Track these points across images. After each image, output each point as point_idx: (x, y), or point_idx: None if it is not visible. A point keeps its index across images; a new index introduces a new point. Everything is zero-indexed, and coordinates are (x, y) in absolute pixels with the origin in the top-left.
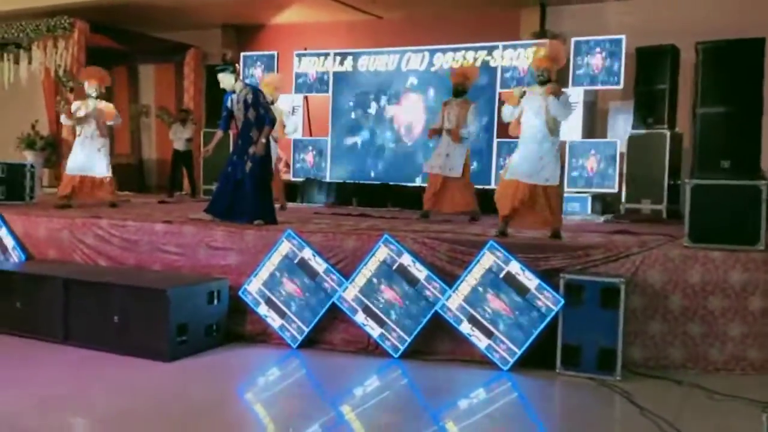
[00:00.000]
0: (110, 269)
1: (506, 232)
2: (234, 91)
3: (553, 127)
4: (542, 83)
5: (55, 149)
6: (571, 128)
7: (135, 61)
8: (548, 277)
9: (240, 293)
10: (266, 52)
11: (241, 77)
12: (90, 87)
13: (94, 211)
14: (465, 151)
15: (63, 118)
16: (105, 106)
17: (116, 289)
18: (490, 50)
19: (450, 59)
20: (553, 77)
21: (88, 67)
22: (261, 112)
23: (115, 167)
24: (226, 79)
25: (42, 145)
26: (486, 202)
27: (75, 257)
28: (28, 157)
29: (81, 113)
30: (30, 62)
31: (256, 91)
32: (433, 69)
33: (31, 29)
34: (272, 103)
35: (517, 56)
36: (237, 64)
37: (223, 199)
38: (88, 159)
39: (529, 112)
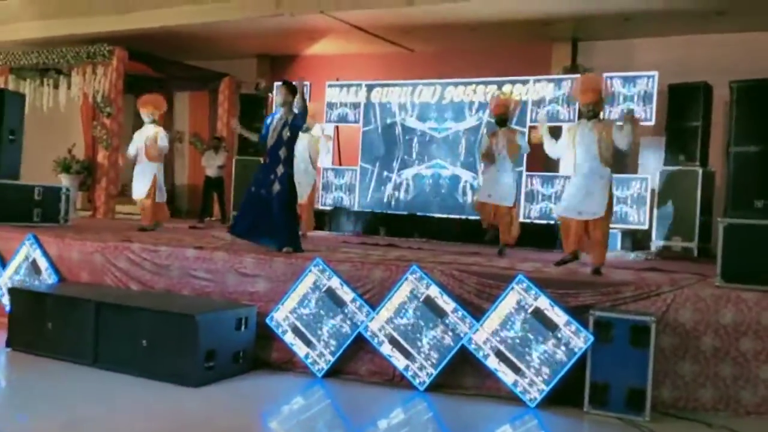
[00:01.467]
0: (141, 293)
1: (568, 261)
2: (278, 111)
3: (607, 158)
4: (590, 118)
5: (90, 173)
6: None
7: (171, 89)
8: (577, 313)
9: (267, 320)
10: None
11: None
12: (145, 113)
13: (126, 235)
14: (513, 178)
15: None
16: (153, 130)
17: (146, 313)
18: (522, 83)
19: (477, 91)
20: (601, 110)
21: (146, 95)
22: (294, 131)
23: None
24: (284, 95)
25: (77, 168)
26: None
27: (106, 280)
28: (64, 180)
29: (132, 150)
30: (69, 87)
31: (299, 114)
32: (462, 101)
33: (72, 56)
34: (308, 130)
35: (549, 89)
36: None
37: (247, 218)
38: (135, 181)
39: (578, 148)
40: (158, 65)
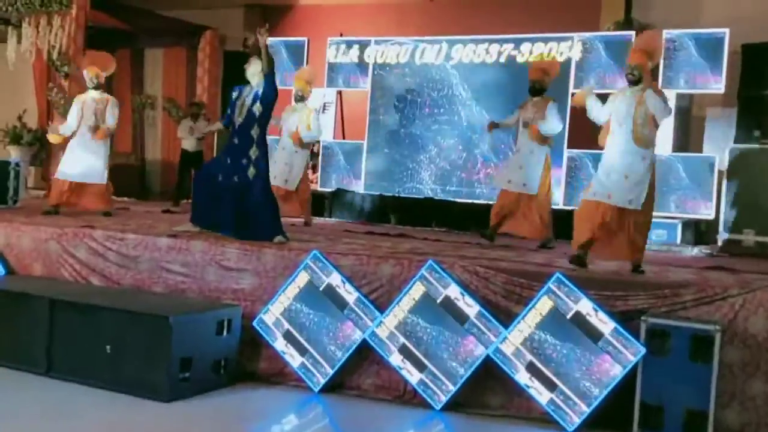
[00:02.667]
0: (104, 289)
1: (585, 261)
2: (247, 85)
3: (643, 136)
4: (633, 83)
5: (44, 145)
6: (660, 139)
7: (141, 44)
8: (627, 320)
9: (254, 324)
10: (295, 39)
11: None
12: (89, 76)
13: (87, 220)
14: (543, 160)
15: (52, 137)
16: (103, 98)
17: (110, 313)
18: (564, 42)
19: (513, 51)
20: (647, 75)
21: (90, 51)
22: (266, 105)
23: (112, 169)
24: (254, 70)
25: (29, 139)
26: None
27: (63, 273)
28: (13, 153)
29: (73, 123)
30: (19, 41)
31: (266, 82)
32: (494, 62)
33: (23, 3)
34: (302, 99)
35: (597, 50)
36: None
37: (215, 210)
38: (83, 163)
39: (613, 120)
40: (126, 15)
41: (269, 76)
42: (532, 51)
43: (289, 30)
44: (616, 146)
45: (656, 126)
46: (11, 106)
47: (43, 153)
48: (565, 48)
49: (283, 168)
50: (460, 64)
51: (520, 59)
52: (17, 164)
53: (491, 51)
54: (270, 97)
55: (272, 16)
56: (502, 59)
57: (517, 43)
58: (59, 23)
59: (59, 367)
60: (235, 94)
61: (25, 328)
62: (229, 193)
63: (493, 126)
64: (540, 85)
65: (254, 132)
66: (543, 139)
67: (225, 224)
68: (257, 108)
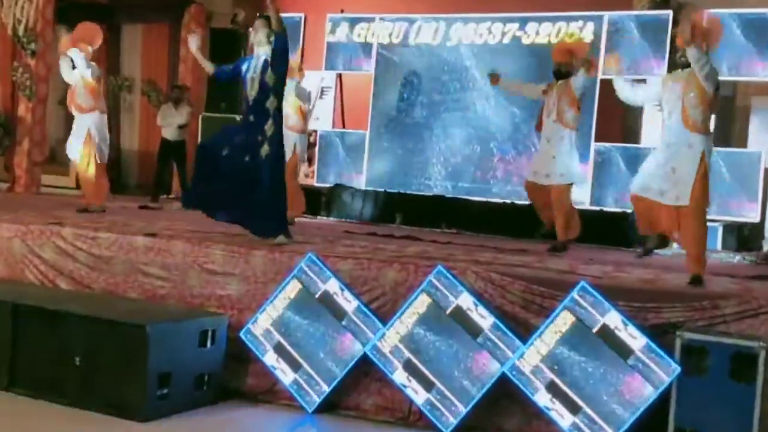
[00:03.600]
0: (73, 294)
1: (651, 250)
2: (254, 56)
3: (696, 121)
4: (683, 67)
5: (8, 131)
6: None
7: (117, 19)
8: (659, 334)
9: (241, 335)
10: (290, 15)
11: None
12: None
13: (56, 217)
14: (571, 149)
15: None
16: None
17: (79, 321)
18: (592, 21)
19: (538, 31)
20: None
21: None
22: (279, 73)
23: None
24: (262, 35)
25: None
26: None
27: (28, 276)
28: None
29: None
30: None
31: (278, 48)
32: (514, 43)
33: None
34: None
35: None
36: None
37: (214, 187)
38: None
39: (664, 107)
40: None
41: (281, 35)
42: (539, 31)
43: (282, 5)
44: (665, 137)
45: (709, 108)
46: None
47: (7, 140)
48: (576, 29)
49: None
50: (477, 45)
51: (541, 40)
52: None
53: (517, 32)
54: (283, 62)
55: None
56: (528, 41)
57: (541, 21)
58: None
59: (23, 381)
60: (244, 67)
61: None
62: (237, 173)
63: (497, 79)
64: (566, 68)
65: (270, 104)
66: (572, 123)
67: (225, 208)
68: (269, 77)
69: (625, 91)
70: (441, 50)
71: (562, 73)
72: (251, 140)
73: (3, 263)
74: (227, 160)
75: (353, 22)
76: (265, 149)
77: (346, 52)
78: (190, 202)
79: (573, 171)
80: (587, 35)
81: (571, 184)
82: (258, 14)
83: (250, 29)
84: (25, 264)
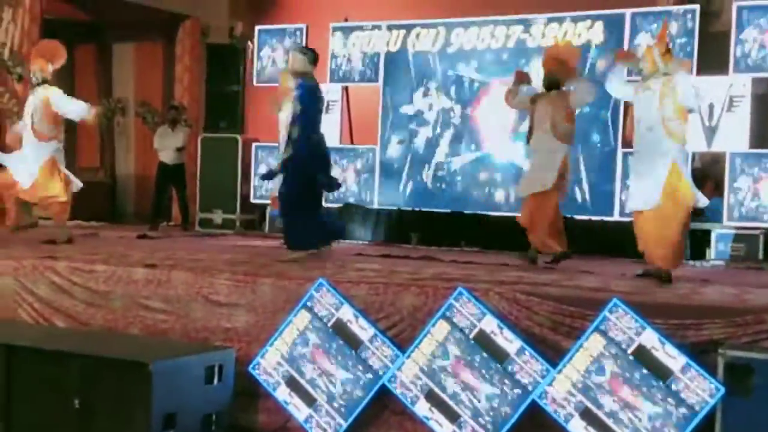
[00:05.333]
0: (70, 332)
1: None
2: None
3: (674, 131)
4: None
5: None
6: (734, 133)
7: (108, 39)
8: (700, 353)
9: (250, 369)
10: (290, 25)
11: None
12: (34, 70)
13: (48, 250)
14: (560, 158)
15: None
16: (43, 93)
17: (78, 360)
18: (611, 21)
19: (554, 33)
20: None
21: (41, 42)
22: (303, 103)
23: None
24: (299, 64)
25: None
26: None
27: (21, 315)
28: None
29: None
30: None
31: (305, 87)
32: (526, 47)
33: None
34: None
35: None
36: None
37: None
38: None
39: (640, 116)
40: (89, 5)
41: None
42: (577, 30)
43: (283, 16)
44: (644, 148)
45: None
46: None
47: None
48: (583, 29)
49: None
50: (496, 51)
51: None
52: None
53: (531, 34)
54: (310, 97)
55: (263, 1)
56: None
57: (560, 21)
58: (10, 16)
59: (18, 426)
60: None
61: None
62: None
63: (523, 77)
64: (555, 76)
65: (292, 132)
66: (566, 137)
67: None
68: (295, 107)
69: (614, 86)
70: (452, 56)
71: (551, 83)
72: (282, 167)
73: None
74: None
75: (357, 30)
76: (285, 181)
77: (351, 63)
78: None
79: (545, 178)
80: (597, 35)
81: (556, 192)
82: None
83: (249, 42)
84: (18, 302)
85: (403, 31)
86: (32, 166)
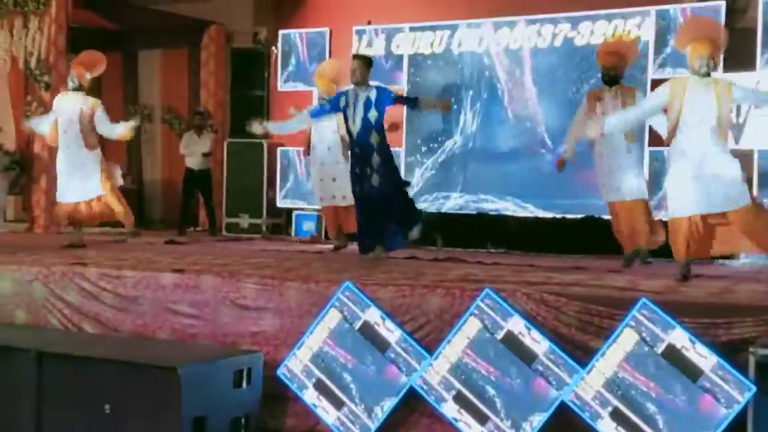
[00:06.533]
0: (100, 338)
1: (689, 274)
2: (347, 92)
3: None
4: (706, 75)
5: (24, 170)
6: (763, 130)
7: (133, 46)
8: (731, 352)
9: (278, 372)
10: (314, 29)
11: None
12: (72, 75)
13: (77, 256)
14: (639, 161)
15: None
16: (89, 102)
17: (108, 366)
18: (631, 19)
19: (586, 31)
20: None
21: (84, 52)
22: (381, 110)
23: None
24: (360, 72)
25: (6, 164)
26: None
27: (51, 320)
28: None
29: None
30: None
31: (383, 88)
32: (558, 45)
33: None
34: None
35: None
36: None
37: (367, 227)
38: (69, 179)
39: (689, 115)
40: (115, 13)
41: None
42: (594, 31)
43: (306, 20)
44: (698, 146)
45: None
46: None
47: (24, 179)
48: (633, 26)
49: (331, 184)
50: (516, 49)
51: (580, 41)
52: None
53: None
54: (386, 102)
55: (286, 6)
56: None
57: (574, 22)
58: (37, 25)
59: (50, 431)
60: (342, 101)
61: (8, 387)
62: (365, 206)
63: (563, 164)
64: (615, 71)
65: (374, 139)
66: (633, 137)
67: (383, 234)
68: (372, 115)
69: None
70: (479, 56)
71: (612, 78)
72: (363, 174)
73: (24, 308)
74: (357, 197)
75: (381, 34)
76: (375, 179)
77: (375, 66)
78: (365, 250)
79: (643, 185)
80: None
81: (645, 200)
82: (354, 54)
83: (273, 47)
84: (48, 308)
85: (427, 33)
86: (92, 179)
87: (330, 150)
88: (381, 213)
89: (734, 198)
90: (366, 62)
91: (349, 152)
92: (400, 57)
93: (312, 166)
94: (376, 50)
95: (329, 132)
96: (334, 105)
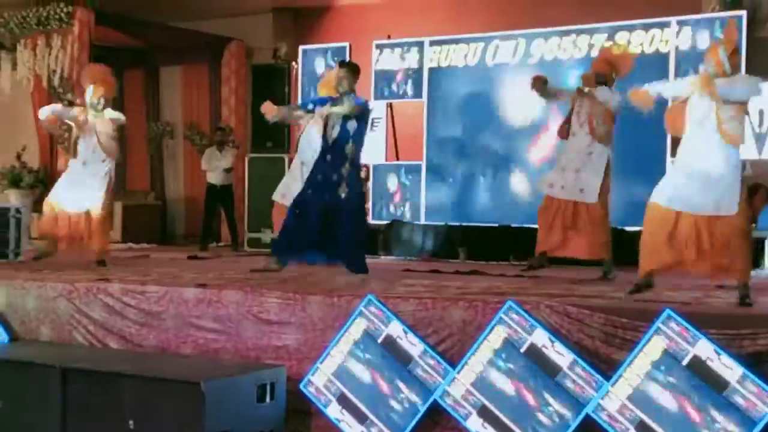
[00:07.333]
0: (124, 353)
1: (642, 290)
2: (335, 98)
3: (730, 131)
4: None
5: (48, 188)
6: None
7: (155, 62)
8: (757, 363)
9: (301, 387)
10: (334, 44)
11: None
12: (95, 95)
13: (101, 273)
14: (604, 164)
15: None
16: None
17: (132, 381)
18: (660, 28)
19: (603, 41)
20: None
21: (90, 65)
22: (363, 128)
23: (129, 209)
24: (347, 81)
25: (31, 181)
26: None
27: (76, 337)
28: (12, 198)
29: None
30: (14, 68)
31: (365, 102)
32: (584, 57)
33: (16, 23)
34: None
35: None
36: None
37: (299, 232)
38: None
39: (691, 116)
40: (136, 30)
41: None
42: (631, 41)
43: (326, 35)
44: (701, 145)
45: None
46: (8, 144)
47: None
48: (671, 35)
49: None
50: (542, 62)
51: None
52: (18, 210)
53: (579, 44)
54: (365, 115)
55: (306, 21)
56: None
57: (611, 32)
58: (60, 44)
59: None
60: (320, 108)
61: (33, 403)
62: (317, 212)
63: (542, 82)
64: (604, 79)
65: (348, 149)
66: (605, 138)
67: (311, 246)
68: (351, 125)
69: (668, 90)
70: (498, 69)
71: (600, 84)
72: (328, 180)
73: (49, 325)
74: (310, 201)
75: (401, 48)
76: (343, 189)
77: (395, 80)
78: (277, 253)
79: (595, 189)
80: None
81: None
82: (340, 62)
83: (293, 63)
84: (73, 324)
85: (446, 47)
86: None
87: (315, 155)
88: (336, 226)
89: (724, 205)
90: (353, 71)
91: (316, 159)
92: (421, 71)
93: (295, 167)
94: (395, 63)
95: (318, 138)
96: (318, 104)
